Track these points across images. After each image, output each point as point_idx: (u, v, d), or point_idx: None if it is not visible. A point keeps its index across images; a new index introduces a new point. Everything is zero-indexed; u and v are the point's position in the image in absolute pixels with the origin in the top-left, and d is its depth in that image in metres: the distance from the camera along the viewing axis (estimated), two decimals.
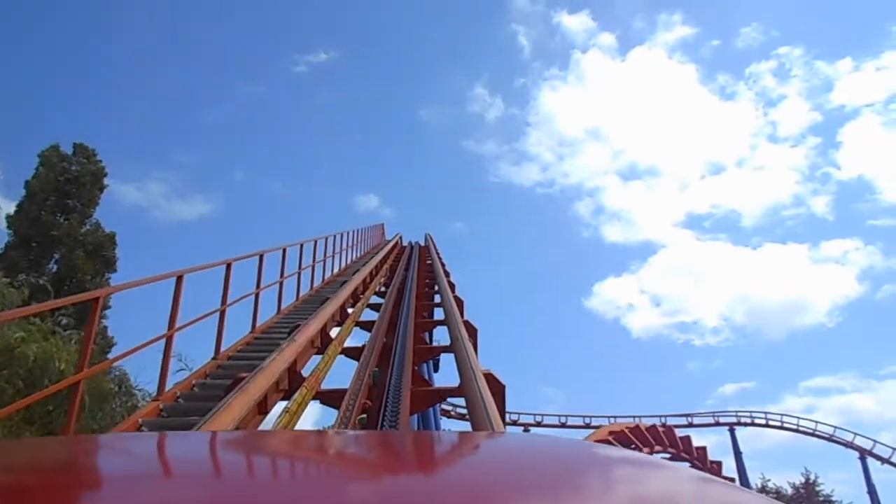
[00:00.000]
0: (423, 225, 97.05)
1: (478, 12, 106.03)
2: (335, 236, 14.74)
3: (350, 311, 9.35)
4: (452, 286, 11.60)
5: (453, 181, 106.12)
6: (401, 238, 23.35)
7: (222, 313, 6.97)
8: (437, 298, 11.28)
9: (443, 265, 14.78)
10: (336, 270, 14.74)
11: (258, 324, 8.43)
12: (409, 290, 11.52)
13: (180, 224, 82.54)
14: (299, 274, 10.68)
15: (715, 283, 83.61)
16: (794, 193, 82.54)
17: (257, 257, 8.48)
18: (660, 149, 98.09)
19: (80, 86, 79.23)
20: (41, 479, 0.67)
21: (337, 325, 8.48)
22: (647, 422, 33.46)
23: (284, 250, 9.81)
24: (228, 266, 7.12)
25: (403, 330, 8.33)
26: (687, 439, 29.88)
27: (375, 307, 10.10)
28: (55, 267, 16.86)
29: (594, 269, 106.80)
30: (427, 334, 10.35)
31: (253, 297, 8.25)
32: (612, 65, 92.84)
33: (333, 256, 14.63)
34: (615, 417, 33.96)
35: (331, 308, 8.04)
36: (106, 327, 15.98)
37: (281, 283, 9.72)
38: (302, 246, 10.99)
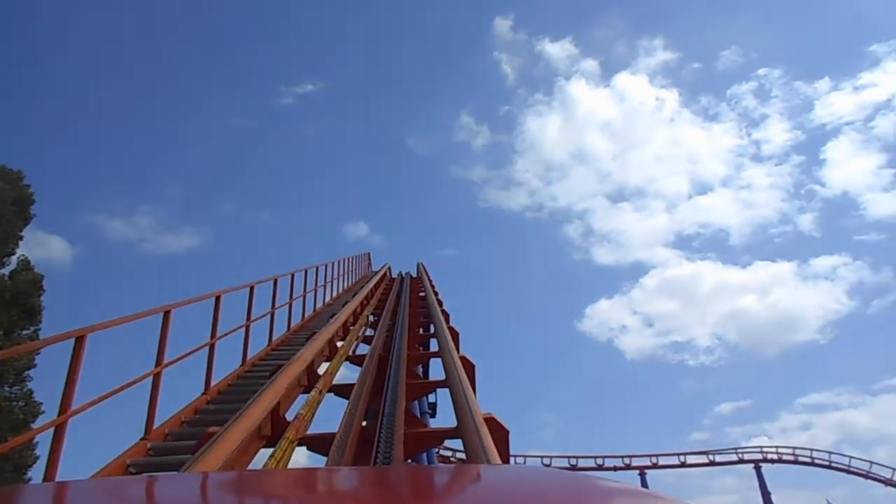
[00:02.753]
0: (414, 252, 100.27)
1: (461, 42, 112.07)
2: (305, 272, 12.79)
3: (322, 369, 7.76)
4: (446, 316, 10.83)
5: (442, 208, 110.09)
6: (389, 269, 22.40)
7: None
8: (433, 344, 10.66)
9: (437, 297, 13.89)
10: (305, 317, 12.47)
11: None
12: (398, 346, 9.21)
13: (170, 257, 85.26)
14: (247, 335, 8.51)
15: (706, 302, 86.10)
16: (781, 211, 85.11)
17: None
18: (646, 170, 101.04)
19: (66, 120, 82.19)
20: None
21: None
22: (665, 461, 32.54)
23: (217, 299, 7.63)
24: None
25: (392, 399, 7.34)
26: None
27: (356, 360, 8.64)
28: None
29: (586, 292, 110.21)
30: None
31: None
32: (596, 90, 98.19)
33: (304, 296, 12.55)
34: (630, 457, 32.94)
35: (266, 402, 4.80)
36: (31, 391, 14.38)
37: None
38: (252, 289, 8.91)
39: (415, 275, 21.77)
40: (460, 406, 5.40)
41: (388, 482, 0.99)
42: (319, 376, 7.00)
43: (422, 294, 16.09)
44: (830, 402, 73.81)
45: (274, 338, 9.90)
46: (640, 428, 70.43)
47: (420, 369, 12.21)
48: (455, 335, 10.22)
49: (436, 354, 9.35)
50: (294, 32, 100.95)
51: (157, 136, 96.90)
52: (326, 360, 8.26)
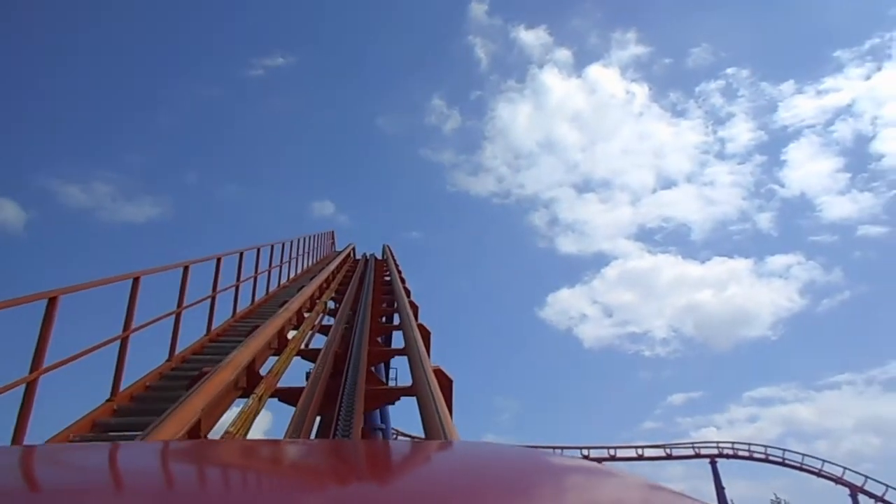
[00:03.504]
0: (380, 233, 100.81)
1: (436, 23, 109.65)
2: (258, 250, 11.39)
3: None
4: (415, 308, 10.03)
5: (410, 190, 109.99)
6: (353, 250, 21.39)
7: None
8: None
9: (403, 281, 13.05)
10: (255, 302, 11.15)
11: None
12: (359, 330, 8.85)
13: (126, 226, 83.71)
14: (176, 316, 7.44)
15: (665, 294, 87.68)
16: (741, 209, 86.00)
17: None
18: (613, 163, 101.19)
19: (21, 81, 78.41)
20: None
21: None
22: (623, 453, 32.92)
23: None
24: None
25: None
26: None
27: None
28: None
29: (548, 280, 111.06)
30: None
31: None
32: (568, 80, 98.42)
33: (255, 277, 11.15)
34: (588, 448, 33.26)
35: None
36: None
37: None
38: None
39: (380, 257, 20.87)
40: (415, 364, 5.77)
41: (346, 456, 1.01)
42: (261, 378, 6.14)
43: (387, 278, 15.26)
44: (777, 396, 76.45)
45: (214, 326, 8.76)
46: (595, 415, 72.43)
47: (383, 368, 11.49)
48: (415, 309, 9.92)
49: (397, 327, 9.31)
50: (266, 3, 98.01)
51: (119, 99, 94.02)
52: (275, 355, 7.38)
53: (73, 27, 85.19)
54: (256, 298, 11.23)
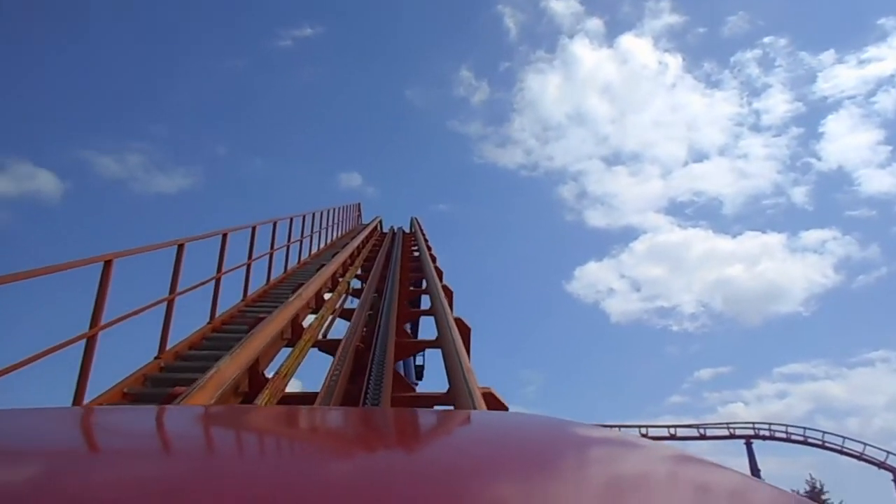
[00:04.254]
0: (407, 205, 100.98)
1: None
2: (274, 224, 10.35)
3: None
4: (449, 294, 9.49)
5: (437, 162, 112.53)
6: (381, 223, 21.45)
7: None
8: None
9: (432, 255, 12.99)
10: (270, 281, 10.19)
11: None
12: (387, 307, 8.23)
13: (159, 197, 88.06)
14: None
15: (694, 269, 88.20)
16: (775, 183, 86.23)
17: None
18: (644, 135, 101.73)
19: (57, 56, 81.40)
20: (29, 451, 0.67)
21: None
22: (655, 432, 32.70)
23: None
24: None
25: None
26: None
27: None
28: None
29: (576, 253, 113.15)
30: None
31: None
32: (598, 51, 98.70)
33: (271, 254, 10.22)
34: (619, 426, 33.09)
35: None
36: None
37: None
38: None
39: (408, 230, 20.86)
40: (453, 371, 5.01)
41: (374, 423, 1.01)
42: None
43: (415, 253, 15.19)
44: (807, 373, 74.93)
45: (217, 313, 7.76)
46: (621, 389, 72.45)
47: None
48: (449, 294, 9.58)
49: (428, 312, 8.68)
50: None
51: (149, 71, 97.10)
52: (288, 346, 6.69)
53: (105, 2, 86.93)
54: (272, 278, 10.33)
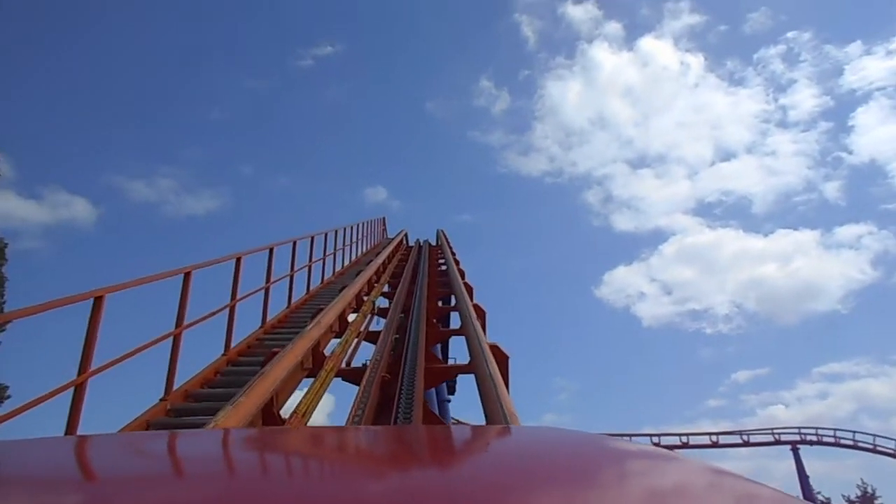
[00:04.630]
0: (432, 217, 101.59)
1: (481, 4, 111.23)
2: (294, 243, 10.06)
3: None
4: (469, 289, 9.71)
5: (461, 172, 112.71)
6: (406, 236, 21.31)
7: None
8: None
9: (457, 263, 12.70)
10: (293, 303, 9.83)
11: None
12: (415, 328, 7.65)
13: (190, 219, 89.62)
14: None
15: (726, 270, 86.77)
16: (806, 179, 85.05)
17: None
18: (668, 137, 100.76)
19: (86, 83, 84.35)
20: (52, 478, 0.68)
21: None
22: (697, 440, 31.90)
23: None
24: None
25: None
26: None
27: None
28: None
29: (604, 258, 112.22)
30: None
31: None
32: (618, 54, 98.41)
33: (291, 276, 9.88)
34: (660, 435, 32.48)
35: None
36: None
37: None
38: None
39: (434, 243, 20.71)
40: (492, 410, 4.53)
41: (408, 441, 1.02)
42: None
43: (442, 266, 14.85)
44: (849, 372, 73.23)
45: (233, 343, 7.38)
46: (656, 394, 71.95)
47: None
48: (470, 290, 9.36)
49: (458, 332, 8.41)
50: None
51: (174, 96, 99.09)
52: (309, 377, 6.20)
53: (128, 28, 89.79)
54: (292, 301, 9.99)
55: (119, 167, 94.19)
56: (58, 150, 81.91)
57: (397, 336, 7.93)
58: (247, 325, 8.20)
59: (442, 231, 20.52)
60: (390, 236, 21.59)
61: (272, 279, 8.78)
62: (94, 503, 0.56)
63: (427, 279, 12.30)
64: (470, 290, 9.74)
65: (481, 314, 8.06)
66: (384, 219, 22.91)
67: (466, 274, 11.85)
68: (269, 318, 8.63)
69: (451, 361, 9.83)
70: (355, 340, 7.62)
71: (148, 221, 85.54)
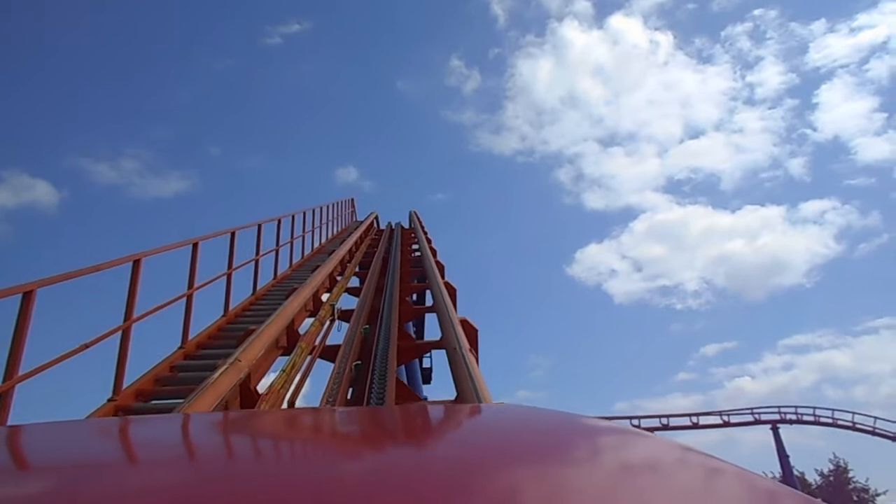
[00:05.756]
0: (405, 197, 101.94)
1: None
2: (259, 226, 9.33)
3: None
4: (452, 291, 8.77)
5: (433, 152, 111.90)
6: (377, 219, 20.56)
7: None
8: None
9: (429, 241, 12.10)
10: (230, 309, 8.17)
11: None
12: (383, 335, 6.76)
13: (156, 201, 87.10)
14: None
15: (695, 246, 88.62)
16: (772, 155, 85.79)
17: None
18: (639, 115, 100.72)
19: (47, 63, 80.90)
20: (29, 464, 0.71)
21: None
22: (676, 421, 32.10)
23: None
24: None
25: None
26: None
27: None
28: None
29: (576, 236, 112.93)
30: None
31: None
32: (589, 33, 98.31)
33: (256, 262, 9.12)
34: (640, 417, 32.69)
35: None
36: None
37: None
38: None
39: (407, 226, 19.96)
40: (461, 380, 4.61)
41: (381, 421, 1.03)
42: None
43: (416, 253, 13.83)
44: (813, 344, 74.91)
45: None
46: (627, 369, 73.79)
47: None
48: (452, 292, 8.86)
49: (430, 309, 8.17)
50: None
51: (139, 75, 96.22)
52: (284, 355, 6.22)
53: (91, 4, 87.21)
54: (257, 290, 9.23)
55: (82, 149, 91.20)
56: (18, 133, 79.44)
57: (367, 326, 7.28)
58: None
59: (415, 212, 19.79)
60: (360, 219, 20.79)
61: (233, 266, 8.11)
62: (59, 491, 0.55)
63: (398, 274, 10.60)
64: (441, 268, 9.28)
65: (452, 291, 7.75)
66: (353, 200, 21.87)
67: (438, 253, 11.32)
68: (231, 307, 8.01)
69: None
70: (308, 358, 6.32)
71: (113, 204, 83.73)
